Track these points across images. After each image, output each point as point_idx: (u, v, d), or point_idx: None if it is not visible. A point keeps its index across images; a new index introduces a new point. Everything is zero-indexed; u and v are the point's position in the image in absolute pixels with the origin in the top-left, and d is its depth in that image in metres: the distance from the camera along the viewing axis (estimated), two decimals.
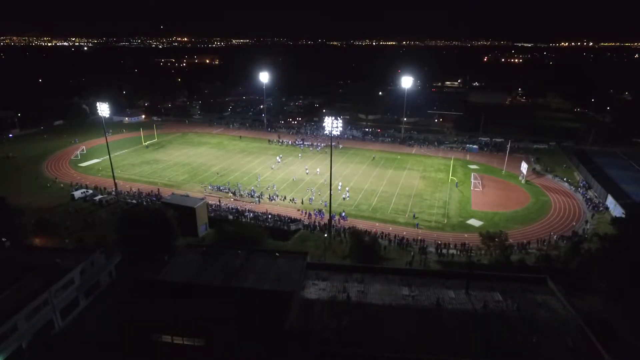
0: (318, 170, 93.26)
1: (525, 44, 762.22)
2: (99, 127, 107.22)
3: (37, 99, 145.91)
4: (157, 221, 53.88)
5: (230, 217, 67.70)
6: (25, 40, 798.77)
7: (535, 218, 71.34)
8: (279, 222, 66.02)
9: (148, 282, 41.91)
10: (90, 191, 78.94)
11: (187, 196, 71.52)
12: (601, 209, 74.51)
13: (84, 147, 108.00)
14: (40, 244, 57.55)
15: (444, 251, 59.19)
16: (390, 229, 65.89)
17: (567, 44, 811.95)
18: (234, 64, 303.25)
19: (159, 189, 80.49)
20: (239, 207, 72.24)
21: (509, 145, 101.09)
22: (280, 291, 39.31)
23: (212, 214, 68.40)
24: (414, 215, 71.05)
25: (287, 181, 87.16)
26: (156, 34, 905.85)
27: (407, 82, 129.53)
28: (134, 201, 74.38)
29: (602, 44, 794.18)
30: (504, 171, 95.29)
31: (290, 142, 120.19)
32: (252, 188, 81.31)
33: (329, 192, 68.25)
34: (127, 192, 78.95)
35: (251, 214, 69.00)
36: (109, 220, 64.98)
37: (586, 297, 45.78)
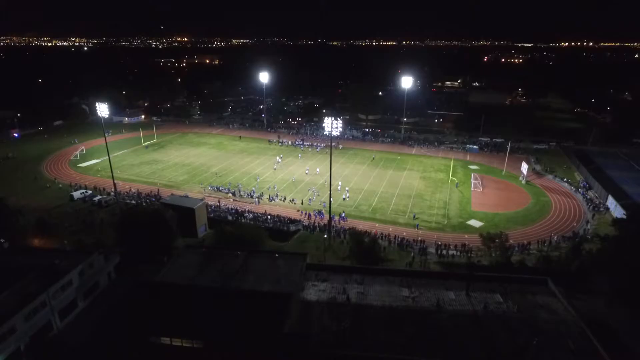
0: (318, 170, 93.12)
1: (525, 44, 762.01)
2: (99, 127, 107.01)
3: (37, 99, 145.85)
4: (156, 222, 53.69)
5: (230, 217, 67.55)
6: (25, 40, 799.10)
7: (536, 219, 71.17)
8: (278, 223, 65.86)
9: (147, 283, 41.69)
10: (90, 192, 78.80)
11: (187, 197, 71.44)
12: (602, 209, 74.33)
13: (83, 147, 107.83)
14: (38, 244, 57.43)
15: (444, 252, 59.01)
16: (390, 229, 65.72)
17: (567, 44, 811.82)
18: (234, 64, 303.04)
19: (158, 190, 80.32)
20: (238, 208, 72.04)
21: (509, 146, 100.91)
22: (280, 292, 39.10)
23: (212, 215, 68.24)
24: (414, 216, 70.87)
25: (287, 182, 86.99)
26: (156, 34, 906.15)
27: (407, 82, 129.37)
28: (133, 202, 74.19)
29: (602, 44, 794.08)
30: (504, 171, 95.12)
31: (290, 142, 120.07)
32: (253, 189, 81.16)
33: (328, 192, 68.07)
34: (127, 192, 78.78)
35: (251, 215, 68.85)
36: (108, 221, 64.77)
37: (587, 298, 45.57)
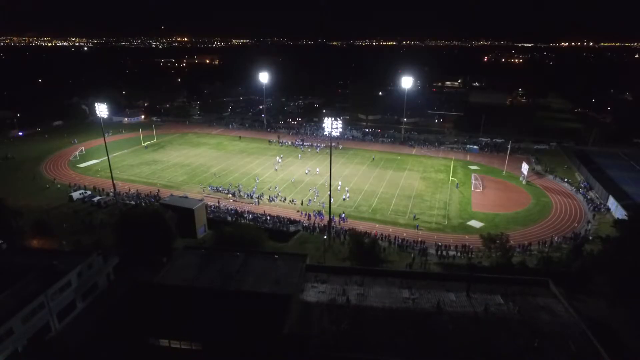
0: (318, 170, 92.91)
1: (525, 44, 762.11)
2: (98, 127, 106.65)
3: (37, 99, 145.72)
4: (155, 223, 53.45)
5: (229, 218, 67.33)
6: (25, 40, 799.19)
7: (536, 219, 70.95)
8: (278, 224, 65.64)
9: (146, 284, 41.48)
10: (89, 192, 78.55)
11: (186, 197, 71.17)
12: (602, 209, 74.13)
13: (83, 147, 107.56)
14: (37, 245, 57.12)
15: (445, 253, 58.80)
16: (391, 230, 65.51)
17: (567, 44, 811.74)
18: (234, 64, 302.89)
19: (158, 190, 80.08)
20: (238, 209, 71.83)
21: (509, 146, 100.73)
22: (279, 294, 38.90)
23: (211, 215, 68.02)
24: (414, 217, 70.65)
25: (287, 182, 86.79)
26: (156, 34, 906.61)
27: (407, 82, 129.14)
28: (133, 202, 73.97)
29: (602, 44, 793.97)
30: (504, 172, 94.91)
31: (290, 142, 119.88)
32: (253, 189, 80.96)
33: (328, 192, 67.84)
34: (126, 193, 78.55)
35: (250, 215, 68.63)
36: (107, 222, 64.54)
37: (589, 300, 45.38)
